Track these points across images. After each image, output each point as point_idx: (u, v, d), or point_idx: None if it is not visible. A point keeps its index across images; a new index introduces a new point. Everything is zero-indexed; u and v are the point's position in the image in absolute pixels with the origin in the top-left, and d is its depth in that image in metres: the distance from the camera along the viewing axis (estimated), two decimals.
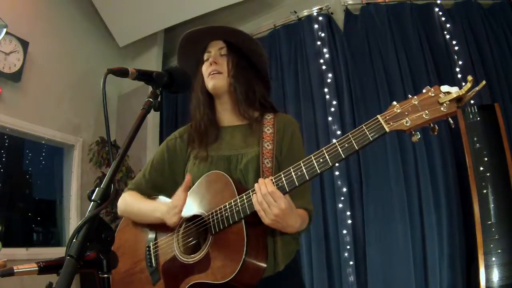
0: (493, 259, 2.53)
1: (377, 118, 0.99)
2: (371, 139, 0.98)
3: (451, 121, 0.96)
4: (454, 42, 3.24)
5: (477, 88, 0.93)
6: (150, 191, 1.34)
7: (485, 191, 2.65)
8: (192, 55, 1.39)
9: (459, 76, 3.16)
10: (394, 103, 0.99)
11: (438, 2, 3.38)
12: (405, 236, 2.93)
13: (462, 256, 2.86)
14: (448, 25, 3.29)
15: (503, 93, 3.08)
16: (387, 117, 0.98)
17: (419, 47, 3.29)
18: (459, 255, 2.85)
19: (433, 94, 0.95)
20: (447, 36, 3.28)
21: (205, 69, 1.34)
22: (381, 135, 0.98)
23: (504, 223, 2.57)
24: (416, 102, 0.96)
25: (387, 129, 0.97)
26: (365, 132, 0.98)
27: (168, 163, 1.35)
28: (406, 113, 0.96)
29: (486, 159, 2.70)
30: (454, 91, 0.94)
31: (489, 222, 2.59)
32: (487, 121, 2.76)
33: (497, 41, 3.22)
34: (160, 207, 1.22)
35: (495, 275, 2.50)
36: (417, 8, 3.42)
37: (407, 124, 0.96)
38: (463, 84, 3.36)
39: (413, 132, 0.97)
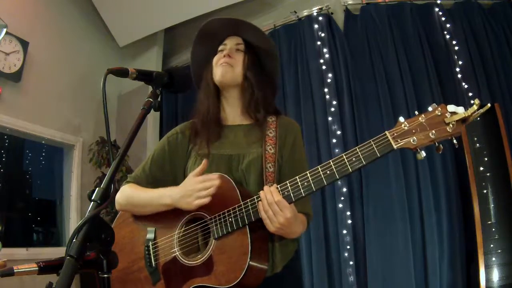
0: (493, 259, 2.53)
1: (385, 134, 1.00)
2: (378, 155, 0.99)
3: (455, 142, 0.98)
4: (454, 42, 3.24)
5: (481, 110, 0.95)
6: (149, 186, 1.31)
7: (485, 191, 2.65)
8: (208, 45, 1.38)
9: (459, 76, 3.15)
10: (401, 119, 1.01)
11: (438, 2, 3.38)
12: (405, 236, 2.93)
13: (462, 256, 2.86)
14: (448, 25, 3.29)
15: (503, 93, 3.08)
16: (395, 134, 0.99)
17: (419, 47, 3.29)
18: (459, 255, 2.85)
19: (439, 113, 0.97)
20: (447, 36, 3.28)
21: (217, 59, 1.33)
22: (389, 152, 0.99)
23: (504, 223, 2.57)
24: (423, 121, 0.98)
25: (394, 147, 0.99)
26: (373, 147, 1.00)
27: (168, 158, 1.33)
28: (414, 131, 0.98)
29: (486, 159, 2.70)
30: (461, 111, 0.96)
31: (489, 222, 2.59)
32: (487, 121, 2.75)
33: (497, 41, 3.21)
34: (167, 193, 1.19)
35: (495, 275, 2.51)
36: (417, 8, 3.42)
37: (414, 143, 0.97)
38: (463, 84, 3.33)
39: (418, 150, 0.98)
